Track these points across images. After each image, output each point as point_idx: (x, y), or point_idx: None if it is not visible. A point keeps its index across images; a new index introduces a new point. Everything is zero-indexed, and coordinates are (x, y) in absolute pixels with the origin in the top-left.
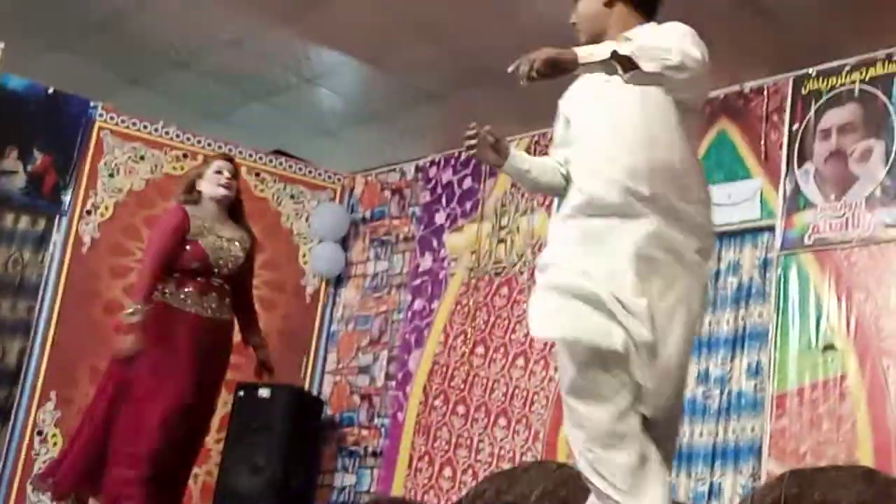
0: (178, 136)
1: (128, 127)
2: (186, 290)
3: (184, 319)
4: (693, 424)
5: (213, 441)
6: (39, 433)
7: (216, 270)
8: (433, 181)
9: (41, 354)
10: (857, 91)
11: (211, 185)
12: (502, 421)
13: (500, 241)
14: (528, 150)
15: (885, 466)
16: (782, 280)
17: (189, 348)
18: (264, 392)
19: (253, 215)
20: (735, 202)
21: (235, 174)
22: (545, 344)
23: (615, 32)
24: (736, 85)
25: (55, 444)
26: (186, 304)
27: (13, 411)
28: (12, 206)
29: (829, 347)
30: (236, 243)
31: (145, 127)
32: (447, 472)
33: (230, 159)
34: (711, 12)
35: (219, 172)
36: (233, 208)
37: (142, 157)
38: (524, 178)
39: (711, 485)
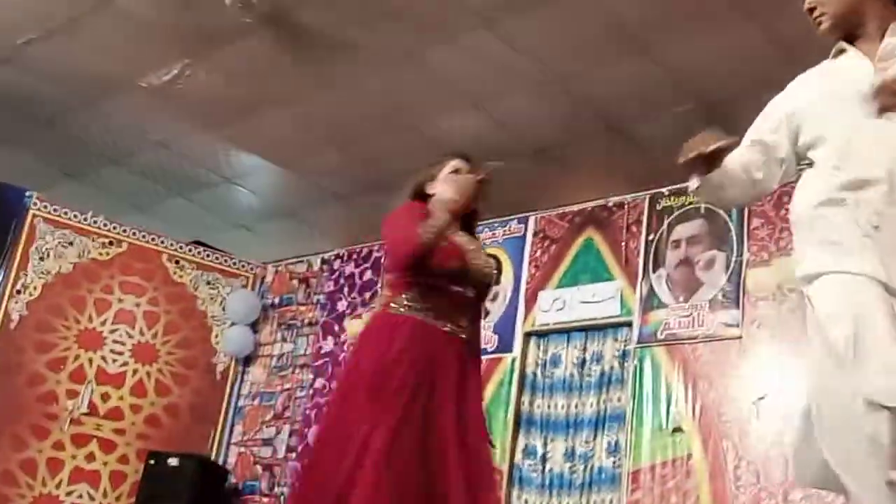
0: (105, 224)
1: (59, 215)
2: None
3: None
4: (560, 497)
5: None
6: None
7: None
8: (337, 272)
9: None
10: (702, 209)
11: (447, 188)
12: None
13: None
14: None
15: None
16: (638, 369)
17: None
18: (173, 461)
19: (170, 298)
20: (599, 300)
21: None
22: None
23: (874, 28)
24: (602, 199)
25: None
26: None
27: None
28: None
29: (677, 430)
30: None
31: (75, 216)
32: None
33: (468, 158)
34: (582, 135)
35: (456, 171)
36: (467, 218)
37: (70, 243)
38: None
39: None
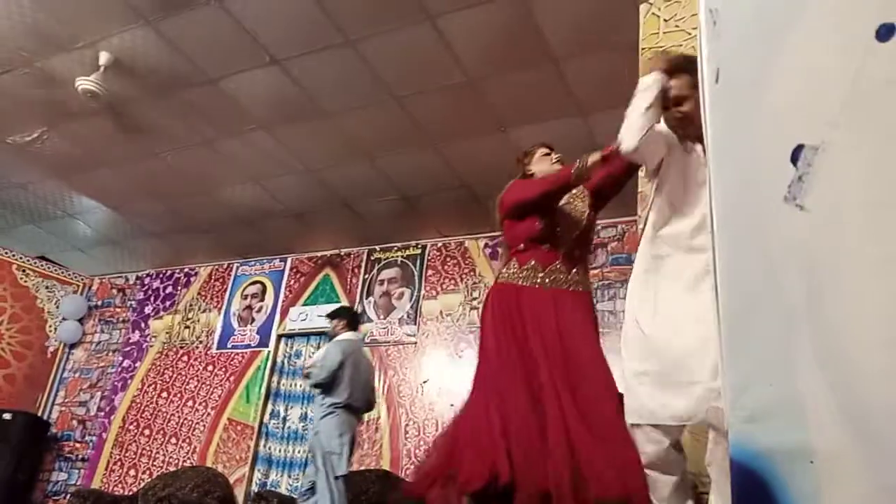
0: None
1: None
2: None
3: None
4: (294, 446)
5: None
6: None
7: None
8: (146, 286)
9: None
10: (399, 260)
11: (545, 165)
12: (173, 440)
13: (186, 327)
14: (209, 277)
15: (395, 470)
16: None
17: None
18: (7, 415)
19: (15, 297)
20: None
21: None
22: (209, 393)
23: None
24: (336, 250)
25: None
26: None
27: None
28: None
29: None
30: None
31: None
32: (132, 472)
33: (552, 147)
34: (326, 207)
35: (547, 154)
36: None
37: None
38: None
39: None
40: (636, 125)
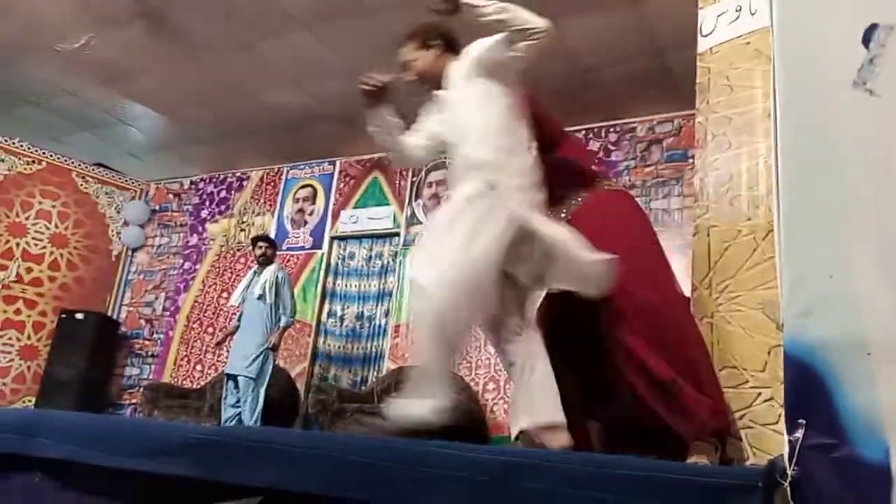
0: (29, 147)
1: None
2: None
3: None
4: (352, 343)
5: (42, 345)
6: None
7: None
8: (201, 190)
9: None
10: (447, 162)
11: None
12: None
13: (242, 230)
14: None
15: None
16: (402, 263)
17: None
18: (79, 315)
19: (78, 203)
20: (380, 218)
21: None
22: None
23: None
24: (382, 152)
25: None
26: None
27: None
28: None
29: None
30: None
31: (6, 140)
32: (199, 367)
33: None
34: (363, 112)
35: None
36: None
37: (1, 160)
38: None
39: (362, 377)
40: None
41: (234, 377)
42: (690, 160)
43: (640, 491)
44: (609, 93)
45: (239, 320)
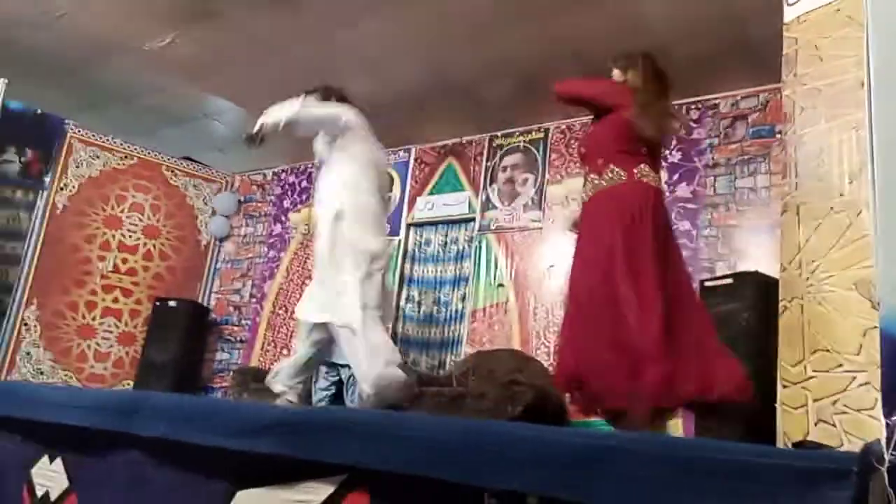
0: (121, 144)
1: (89, 136)
2: None
3: None
4: (429, 328)
5: (139, 332)
6: (25, 325)
7: None
8: (283, 181)
9: (28, 276)
10: (521, 145)
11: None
12: None
13: None
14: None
15: (526, 350)
16: (478, 248)
17: None
18: (173, 303)
19: (168, 196)
20: (455, 204)
21: None
22: None
23: None
24: (458, 138)
25: (35, 330)
26: None
27: (9, 311)
28: (10, 184)
29: (500, 285)
30: None
31: (100, 137)
32: (285, 352)
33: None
34: (444, 95)
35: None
36: None
37: (97, 156)
38: None
39: (440, 360)
40: None
41: (331, 364)
42: (778, 136)
43: (726, 475)
44: (689, 69)
45: None
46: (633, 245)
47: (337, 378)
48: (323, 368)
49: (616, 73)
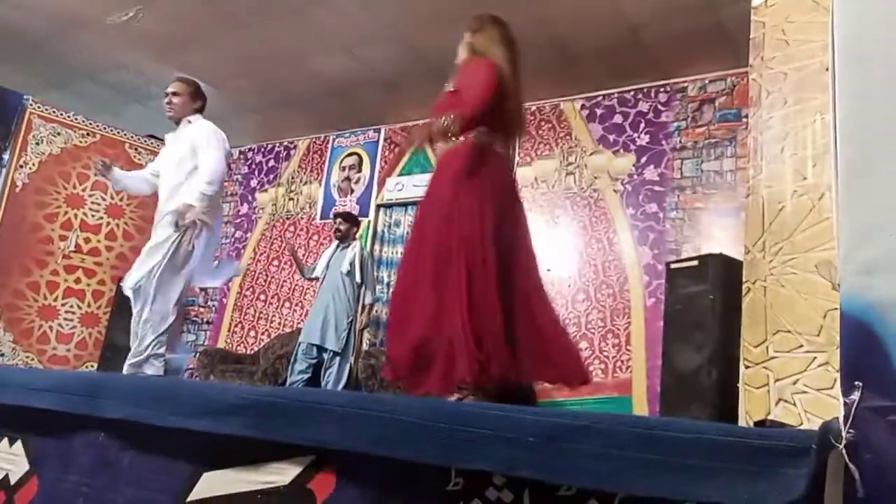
0: (83, 121)
1: (49, 113)
2: None
3: None
4: None
5: (102, 313)
6: None
7: None
8: (250, 160)
9: None
10: None
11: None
12: (287, 304)
13: (290, 198)
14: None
15: None
16: None
17: None
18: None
19: None
20: (425, 185)
21: None
22: (316, 261)
23: None
24: (427, 118)
25: None
26: None
27: None
28: None
29: None
30: None
31: (61, 114)
32: (252, 333)
33: None
34: (417, 74)
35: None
36: None
37: (58, 133)
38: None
39: None
40: None
41: (312, 346)
42: (744, 120)
43: (691, 452)
44: (658, 51)
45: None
46: (451, 227)
47: (316, 360)
48: (302, 347)
49: (466, 36)
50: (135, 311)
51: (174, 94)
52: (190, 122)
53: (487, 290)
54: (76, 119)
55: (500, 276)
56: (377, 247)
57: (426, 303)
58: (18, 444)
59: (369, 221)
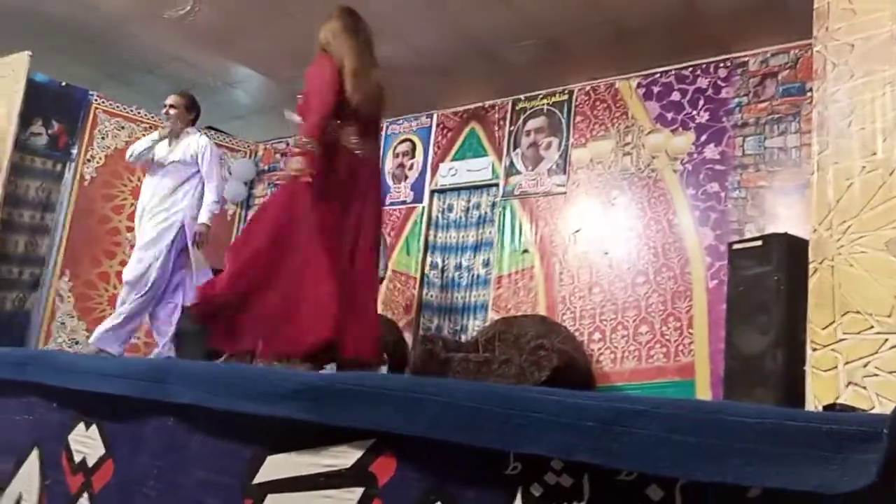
0: (145, 114)
1: (113, 108)
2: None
3: None
4: (452, 293)
5: None
6: (59, 296)
7: None
8: None
9: (59, 247)
10: (545, 109)
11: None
12: None
13: None
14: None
15: (552, 315)
16: (502, 214)
17: None
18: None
19: None
20: (478, 169)
21: None
22: None
23: None
24: (480, 102)
25: (69, 300)
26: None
27: (41, 281)
28: (39, 155)
29: (525, 251)
30: None
31: (124, 108)
32: None
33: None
34: (466, 60)
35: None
36: None
37: (122, 127)
38: None
39: (462, 326)
40: None
41: None
42: (809, 94)
43: (755, 437)
44: (717, 25)
45: None
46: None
47: None
48: None
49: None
50: (121, 297)
51: (171, 106)
52: (188, 132)
53: (318, 273)
54: (139, 113)
55: (331, 261)
56: (432, 232)
57: (260, 272)
58: (94, 429)
59: (423, 207)
